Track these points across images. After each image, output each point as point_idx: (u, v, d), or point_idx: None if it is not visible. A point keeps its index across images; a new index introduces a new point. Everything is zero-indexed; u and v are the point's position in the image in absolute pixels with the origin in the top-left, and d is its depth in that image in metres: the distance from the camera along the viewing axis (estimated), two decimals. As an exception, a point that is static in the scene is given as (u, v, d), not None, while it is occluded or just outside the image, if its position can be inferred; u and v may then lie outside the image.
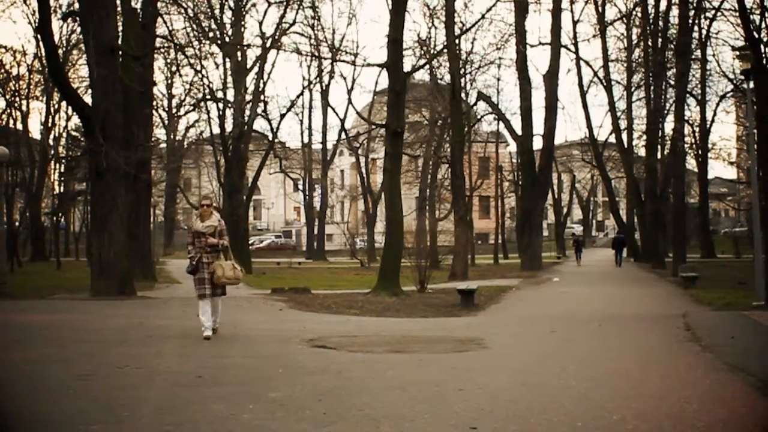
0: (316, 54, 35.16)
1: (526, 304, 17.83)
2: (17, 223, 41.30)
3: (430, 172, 41.11)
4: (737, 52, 18.69)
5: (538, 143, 34.20)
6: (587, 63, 42.20)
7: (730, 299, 16.60)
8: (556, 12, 29.01)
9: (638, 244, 42.62)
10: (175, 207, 46.62)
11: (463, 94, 33.98)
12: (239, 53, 31.24)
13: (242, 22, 31.54)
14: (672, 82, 31.44)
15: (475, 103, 38.08)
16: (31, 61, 39.39)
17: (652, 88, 35.03)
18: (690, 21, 27.92)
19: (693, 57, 31.62)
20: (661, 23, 33.42)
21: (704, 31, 32.79)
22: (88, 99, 20.65)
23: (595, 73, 41.10)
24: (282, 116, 39.73)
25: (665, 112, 34.87)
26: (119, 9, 20.55)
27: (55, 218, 44.52)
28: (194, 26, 26.50)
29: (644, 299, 18.62)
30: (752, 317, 12.43)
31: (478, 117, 40.19)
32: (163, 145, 37.71)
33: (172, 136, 38.67)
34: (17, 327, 11.48)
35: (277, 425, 5.34)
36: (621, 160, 43.41)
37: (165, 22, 27.40)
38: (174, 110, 37.63)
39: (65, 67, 29.46)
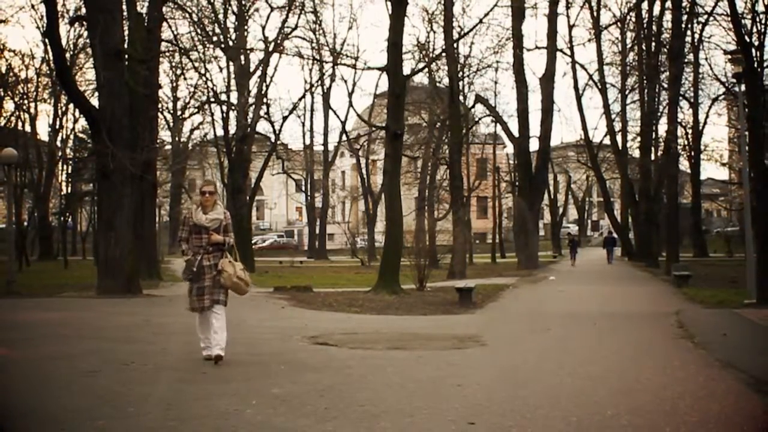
0: (318, 58, 35.33)
1: (523, 302, 18.00)
2: (25, 223, 41.48)
3: (429, 173, 41.40)
4: (729, 56, 19.00)
5: (534, 145, 34.61)
6: (582, 66, 42.38)
7: (722, 297, 16.92)
8: (552, 16, 29.34)
9: (632, 244, 43.01)
10: (180, 207, 46.85)
11: (461, 97, 34.28)
12: (242, 57, 31.37)
13: (245, 27, 31.63)
14: (665, 85, 31.63)
15: (473, 106, 38.35)
16: (39, 64, 39.33)
17: (646, 91, 35.22)
18: (683, 25, 28.26)
19: (686, 60, 31.84)
20: (654, 27, 33.57)
21: (697, 36, 33.01)
22: (94, 102, 20.74)
23: (591, 77, 41.33)
24: (284, 118, 40.17)
25: (659, 114, 35.04)
26: (125, 13, 20.64)
27: (62, 218, 44.54)
28: (198, 30, 26.65)
29: (638, 297, 18.84)
30: (744, 315, 12.63)
31: (476, 119, 40.37)
32: (168, 147, 37.98)
33: (176, 138, 38.95)
34: (25, 324, 11.55)
35: (280, 421, 5.41)
36: (615, 162, 43.65)
37: (170, 27, 27.55)
38: (179, 112, 37.76)
39: (72, 71, 29.60)
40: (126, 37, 20.54)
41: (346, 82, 71.68)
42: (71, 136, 43.62)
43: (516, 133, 31.53)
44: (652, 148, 36.64)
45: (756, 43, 22.44)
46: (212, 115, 35.37)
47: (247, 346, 9.03)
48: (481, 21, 28.28)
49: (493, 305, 16.95)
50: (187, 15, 26.72)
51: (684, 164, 42.57)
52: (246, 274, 7.91)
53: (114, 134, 17.92)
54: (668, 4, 30.50)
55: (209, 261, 7.76)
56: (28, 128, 42.26)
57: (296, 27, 33.53)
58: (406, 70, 24.62)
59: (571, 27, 38.60)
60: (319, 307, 15.48)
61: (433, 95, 37.58)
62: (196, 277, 7.73)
